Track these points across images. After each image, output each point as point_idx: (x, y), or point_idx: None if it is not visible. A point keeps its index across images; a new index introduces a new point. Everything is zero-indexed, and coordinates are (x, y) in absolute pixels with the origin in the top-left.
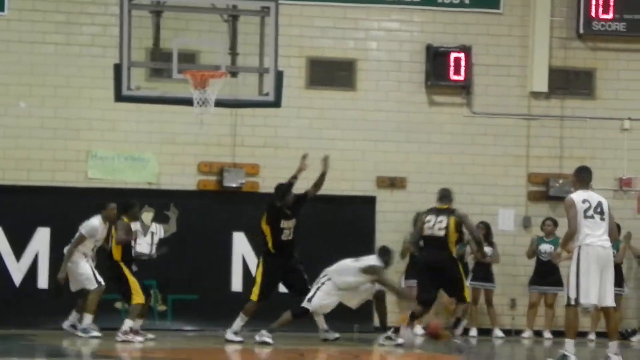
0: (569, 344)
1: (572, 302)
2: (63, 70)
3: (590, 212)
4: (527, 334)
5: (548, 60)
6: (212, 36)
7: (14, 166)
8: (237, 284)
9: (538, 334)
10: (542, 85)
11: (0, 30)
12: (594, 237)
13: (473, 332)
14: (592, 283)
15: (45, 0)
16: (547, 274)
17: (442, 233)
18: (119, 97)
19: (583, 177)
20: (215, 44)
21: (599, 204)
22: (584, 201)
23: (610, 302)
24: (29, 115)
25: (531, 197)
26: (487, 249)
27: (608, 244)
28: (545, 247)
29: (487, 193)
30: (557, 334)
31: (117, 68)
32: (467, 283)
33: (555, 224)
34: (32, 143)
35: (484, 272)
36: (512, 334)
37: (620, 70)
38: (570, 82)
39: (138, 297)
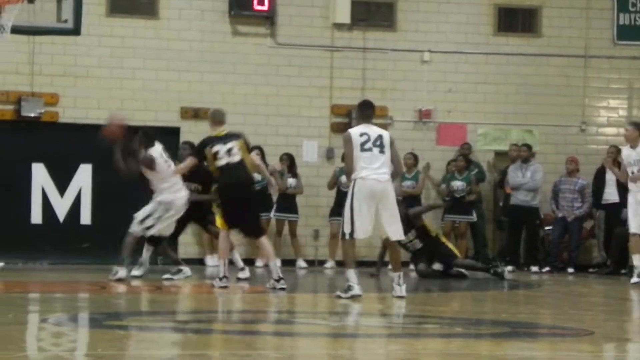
0: (351, 274)
1: (347, 237)
2: None
3: (368, 145)
4: (330, 264)
5: None
6: None
7: None
8: (36, 217)
9: (340, 264)
10: (344, 16)
11: None
12: (369, 170)
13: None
14: (364, 217)
15: None
16: None
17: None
18: None
19: (364, 113)
20: None
21: (379, 137)
22: (362, 134)
23: (390, 234)
24: None
25: (334, 129)
26: (291, 180)
27: (385, 177)
28: (346, 178)
29: (292, 124)
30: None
31: None
32: (272, 214)
33: None
34: None
35: (287, 203)
36: (315, 264)
37: (420, 2)
38: (372, 14)
39: None
